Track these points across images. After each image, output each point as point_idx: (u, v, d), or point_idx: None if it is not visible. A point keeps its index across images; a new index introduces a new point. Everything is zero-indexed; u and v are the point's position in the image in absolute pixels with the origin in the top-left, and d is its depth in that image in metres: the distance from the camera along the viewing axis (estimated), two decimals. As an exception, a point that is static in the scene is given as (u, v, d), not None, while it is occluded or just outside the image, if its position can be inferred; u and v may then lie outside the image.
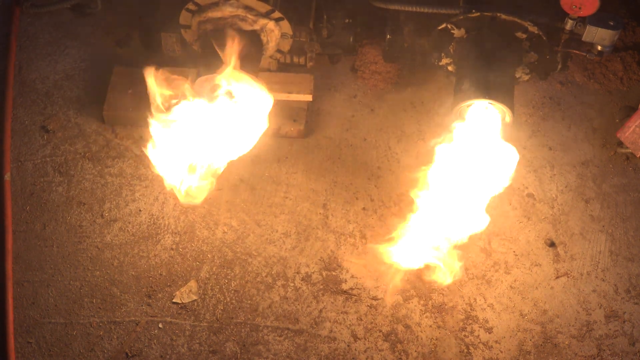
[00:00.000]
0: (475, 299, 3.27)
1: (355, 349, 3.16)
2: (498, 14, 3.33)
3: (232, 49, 3.21)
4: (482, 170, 3.21)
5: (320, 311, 3.23)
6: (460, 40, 3.46)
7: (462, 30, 3.43)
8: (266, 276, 3.31)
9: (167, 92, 3.24)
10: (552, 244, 3.40)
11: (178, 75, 3.29)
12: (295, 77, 3.71)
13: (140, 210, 3.45)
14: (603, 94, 3.82)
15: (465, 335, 3.20)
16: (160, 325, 3.19)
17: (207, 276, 3.30)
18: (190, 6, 3.37)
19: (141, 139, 3.53)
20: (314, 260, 3.35)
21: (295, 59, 3.70)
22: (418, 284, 3.29)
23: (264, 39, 3.46)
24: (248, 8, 3.35)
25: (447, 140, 3.28)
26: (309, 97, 3.67)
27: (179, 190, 3.25)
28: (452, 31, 3.44)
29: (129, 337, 3.17)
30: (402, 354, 3.15)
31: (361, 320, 3.22)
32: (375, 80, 3.80)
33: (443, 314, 3.23)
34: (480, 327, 3.21)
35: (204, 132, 3.24)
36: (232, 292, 3.27)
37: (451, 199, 3.16)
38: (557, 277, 3.33)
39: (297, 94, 3.66)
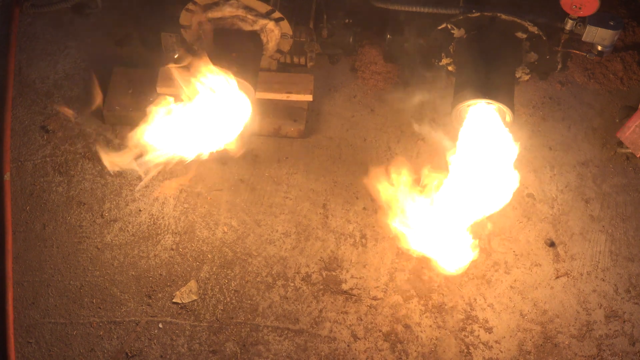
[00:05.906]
0: (475, 299, 3.27)
1: (355, 349, 3.16)
2: (498, 14, 3.33)
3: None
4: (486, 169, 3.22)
5: (320, 311, 3.23)
6: (460, 40, 3.46)
7: (462, 30, 3.43)
8: (266, 276, 3.31)
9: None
10: (552, 244, 3.40)
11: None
12: (295, 77, 3.71)
13: (140, 210, 3.45)
14: (603, 94, 3.82)
15: (465, 335, 3.20)
16: (160, 325, 3.19)
17: (207, 276, 3.30)
18: (190, 6, 3.37)
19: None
20: (314, 260, 3.34)
21: (295, 59, 3.70)
22: (418, 283, 3.29)
23: (264, 39, 3.46)
24: (248, 8, 3.35)
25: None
26: (309, 97, 3.67)
27: None
28: (452, 31, 3.44)
29: (129, 337, 3.17)
30: (402, 354, 3.15)
31: (361, 320, 3.22)
32: (375, 80, 3.80)
33: (443, 314, 3.23)
34: (480, 327, 3.21)
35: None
36: (232, 292, 3.27)
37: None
38: (557, 277, 3.33)
39: (297, 94, 3.66)
